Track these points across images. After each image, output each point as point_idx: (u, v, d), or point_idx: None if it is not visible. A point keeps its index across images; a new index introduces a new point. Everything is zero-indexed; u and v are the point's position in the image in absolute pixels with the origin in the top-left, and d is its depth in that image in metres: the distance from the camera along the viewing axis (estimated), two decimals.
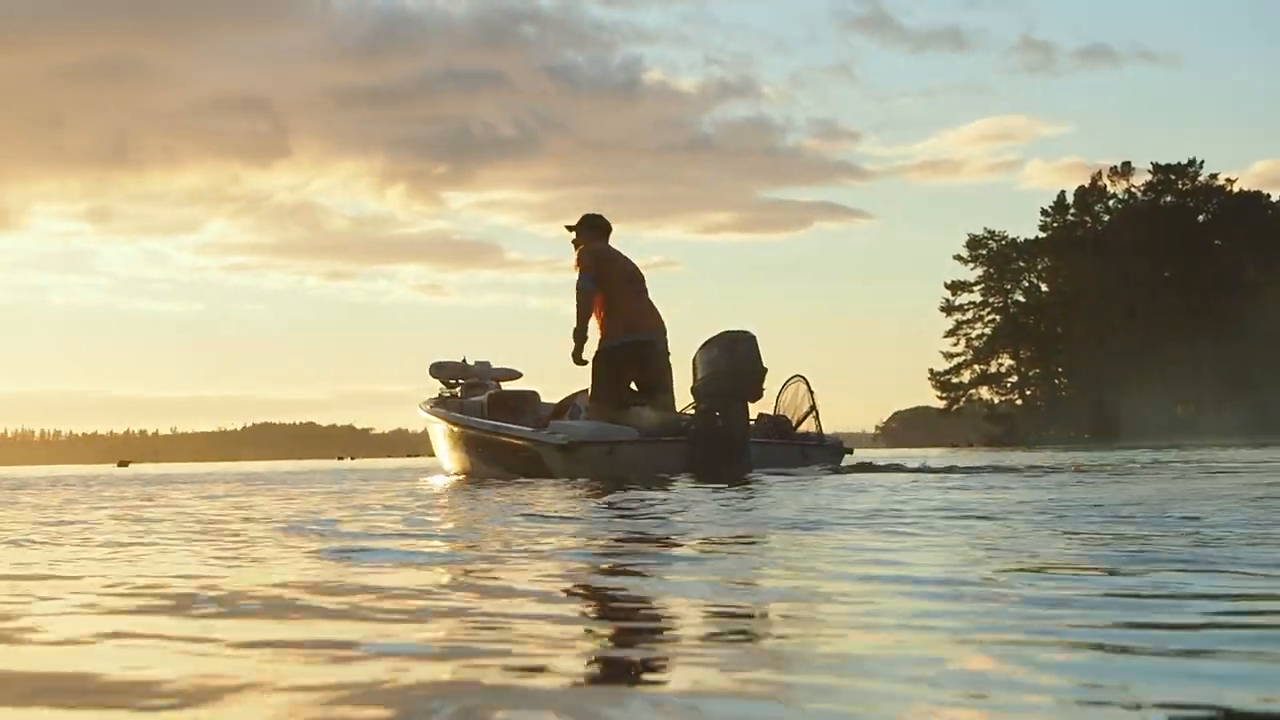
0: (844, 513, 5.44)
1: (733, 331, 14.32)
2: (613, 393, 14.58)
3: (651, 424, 14.34)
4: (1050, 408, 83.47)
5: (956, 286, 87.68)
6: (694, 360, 14.31)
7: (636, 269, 15.07)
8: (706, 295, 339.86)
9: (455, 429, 16.07)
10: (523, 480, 12.63)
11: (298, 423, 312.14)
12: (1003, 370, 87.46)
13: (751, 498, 7.24)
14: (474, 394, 16.42)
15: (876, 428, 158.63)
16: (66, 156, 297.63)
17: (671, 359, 15.16)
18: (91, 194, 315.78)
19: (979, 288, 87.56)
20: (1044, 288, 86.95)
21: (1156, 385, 72.10)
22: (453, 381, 17.00)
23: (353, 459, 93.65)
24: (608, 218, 15.66)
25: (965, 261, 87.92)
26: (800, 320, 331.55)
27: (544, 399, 16.43)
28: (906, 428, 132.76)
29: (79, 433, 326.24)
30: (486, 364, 17.23)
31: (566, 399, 15.39)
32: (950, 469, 12.87)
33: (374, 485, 12.63)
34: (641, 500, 7.21)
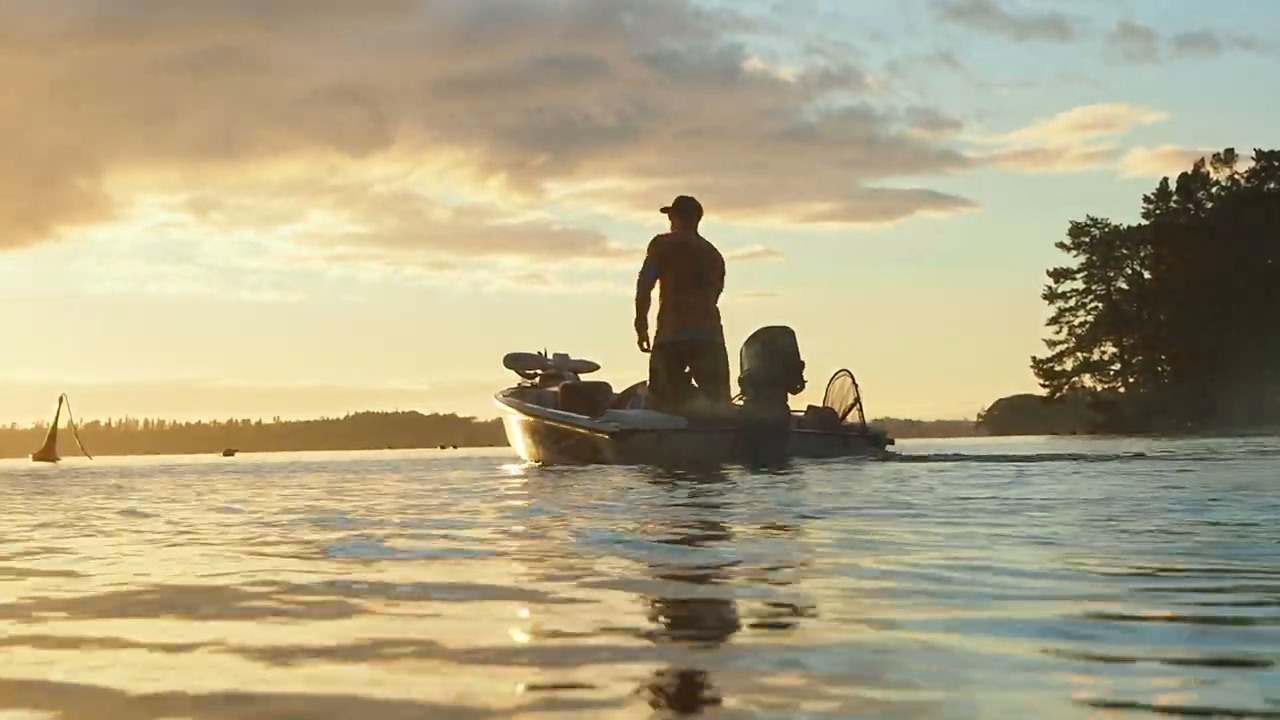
0: (865, 499, 5.53)
1: (772, 327, 14.85)
2: (667, 383, 15.17)
3: (705, 414, 14.88)
4: (1154, 395, 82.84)
5: (1059, 274, 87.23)
6: (740, 353, 14.85)
7: (709, 261, 15.51)
8: (808, 285, 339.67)
9: (525, 418, 16.57)
10: (578, 468, 12.95)
11: (400, 412, 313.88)
12: (1105, 358, 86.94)
13: (779, 485, 7.38)
14: (550, 385, 17.03)
15: (979, 416, 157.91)
16: (169, 147, 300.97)
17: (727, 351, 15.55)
18: (193, 185, 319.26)
19: (1081, 275, 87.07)
20: (1147, 275, 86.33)
21: (1261, 373, 71.41)
22: (530, 372, 17.56)
23: (455, 448, 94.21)
24: (701, 203, 16.11)
25: (1068, 249, 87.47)
26: (901, 309, 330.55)
27: (619, 390, 16.83)
28: (1009, 416, 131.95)
29: (182, 422, 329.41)
30: (565, 356, 17.82)
31: (629, 389, 16.20)
32: (1000, 458, 13.28)
33: (460, 472, 12.72)
34: (683, 485, 7.46)
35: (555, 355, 17.67)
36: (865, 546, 3.38)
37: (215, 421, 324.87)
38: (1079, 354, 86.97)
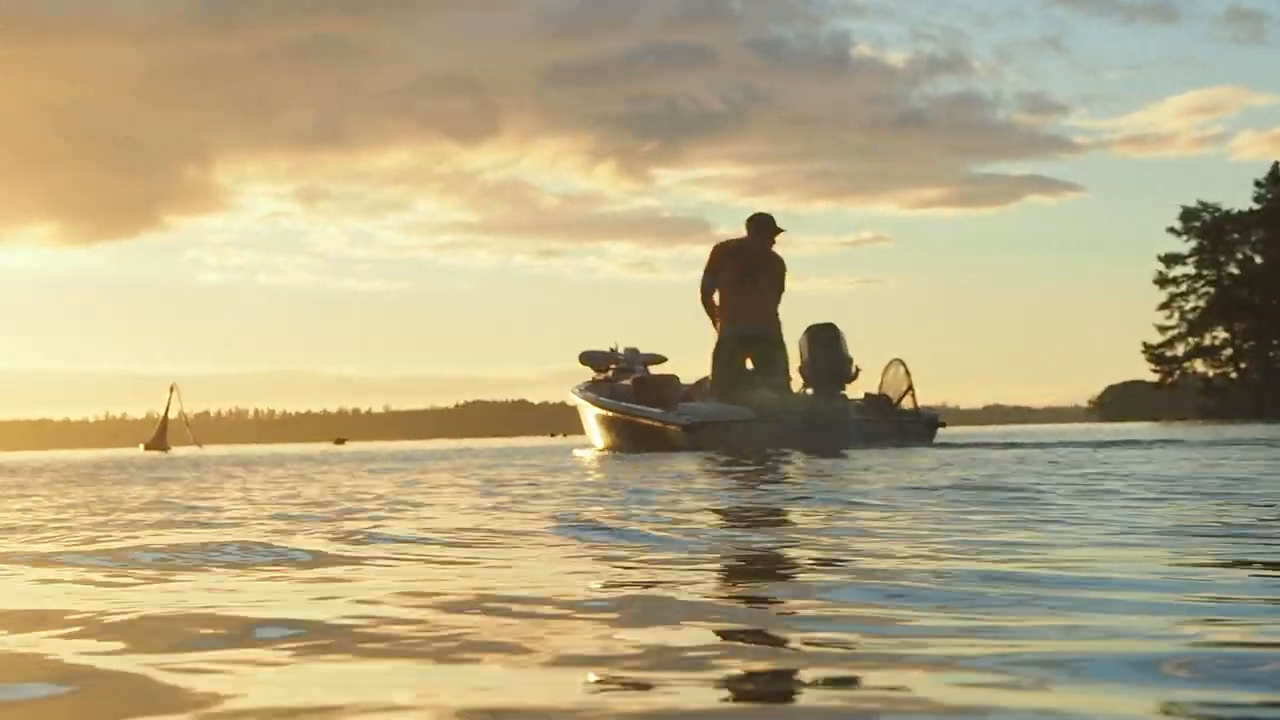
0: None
1: (816, 325, 16.15)
2: (727, 376, 16.55)
3: (766, 404, 16.12)
4: (1267, 381, 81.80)
5: (1170, 259, 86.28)
6: (798, 345, 16.29)
7: (762, 262, 16.95)
8: (917, 271, 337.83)
9: (601, 411, 17.69)
10: (650, 456, 13.73)
11: (509, 400, 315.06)
12: (1217, 343, 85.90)
13: (837, 472, 7.54)
14: (622, 378, 18.25)
15: (1090, 402, 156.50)
16: (277, 137, 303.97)
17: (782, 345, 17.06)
18: (301, 174, 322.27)
19: (1192, 260, 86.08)
20: (1258, 259, 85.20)
21: None
22: (603, 367, 18.43)
23: (564, 435, 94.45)
24: (774, 217, 17.34)
25: (1178, 234, 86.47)
26: (1011, 294, 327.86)
27: (689, 381, 18.08)
28: (1120, 402, 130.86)
29: (292, 411, 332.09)
30: (635, 351, 19.01)
31: (700, 380, 17.41)
32: (1055, 443, 13.88)
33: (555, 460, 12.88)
34: (752, 471, 7.58)
35: (626, 350, 18.59)
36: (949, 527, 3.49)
37: (325, 410, 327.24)
38: (1190, 339, 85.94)
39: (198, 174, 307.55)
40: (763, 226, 17.19)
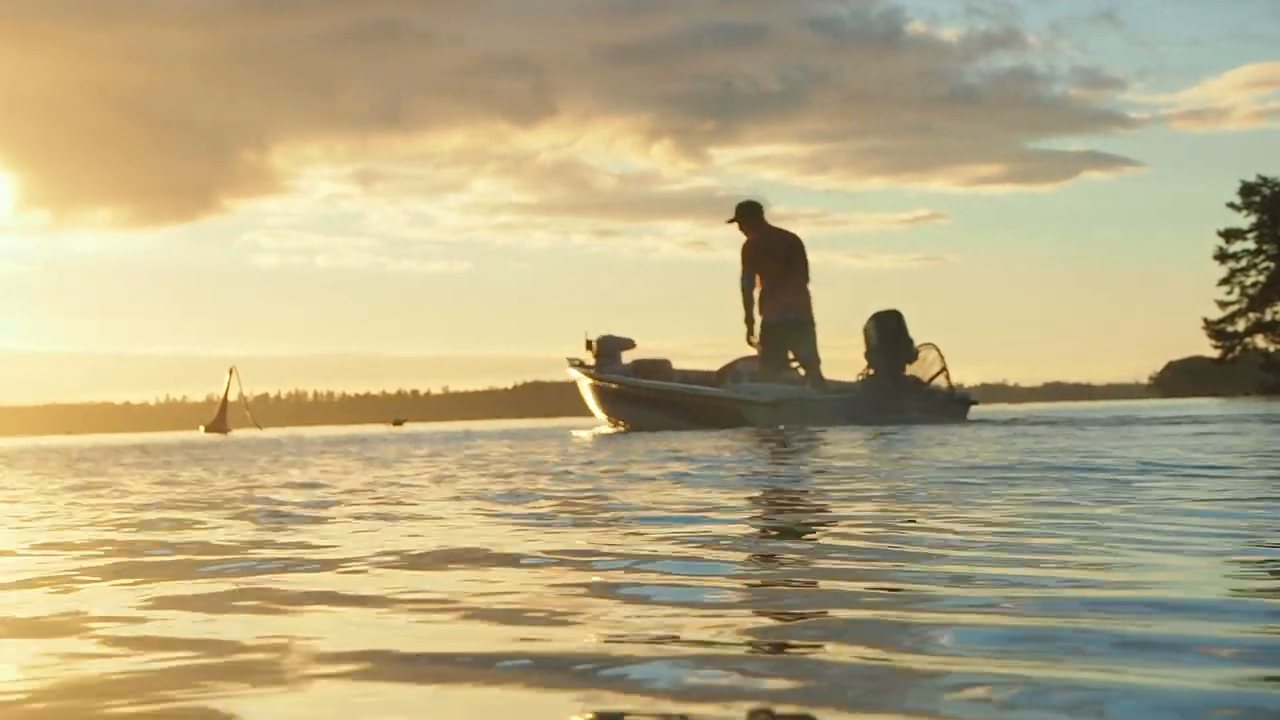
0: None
1: (882, 312, 17.51)
2: (776, 360, 17.99)
3: (821, 385, 18.14)
4: None
5: (1230, 234, 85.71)
6: (864, 330, 17.65)
7: (790, 249, 18.47)
8: (975, 247, 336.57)
9: (637, 390, 19.08)
10: (716, 430, 15.32)
11: (568, 380, 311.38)
12: (1278, 318, 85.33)
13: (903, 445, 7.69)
14: (610, 363, 19.84)
15: (1150, 378, 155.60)
16: (334, 120, 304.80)
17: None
18: (359, 156, 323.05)
19: (1253, 235, 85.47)
20: None
21: None
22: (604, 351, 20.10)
23: None
24: (761, 201, 18.93)
25: (1238, 209, 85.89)
26: (1069, 270, 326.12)
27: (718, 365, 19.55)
28: (1180, 378, 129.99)
29: (351, 393, 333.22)
30: (611, 336, 20.42)
31: (729, 365, 18.84)
32: (1079, 420, 14.55)
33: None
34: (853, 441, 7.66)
35: (602, 337, 20.26)
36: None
37: (384, 392, 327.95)
38: (1251, 315, 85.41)
39: (256, 157, 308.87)
40: (754, 213, 18.62)
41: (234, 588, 2.57)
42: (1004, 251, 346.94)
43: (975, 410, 18.31)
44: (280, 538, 3.68)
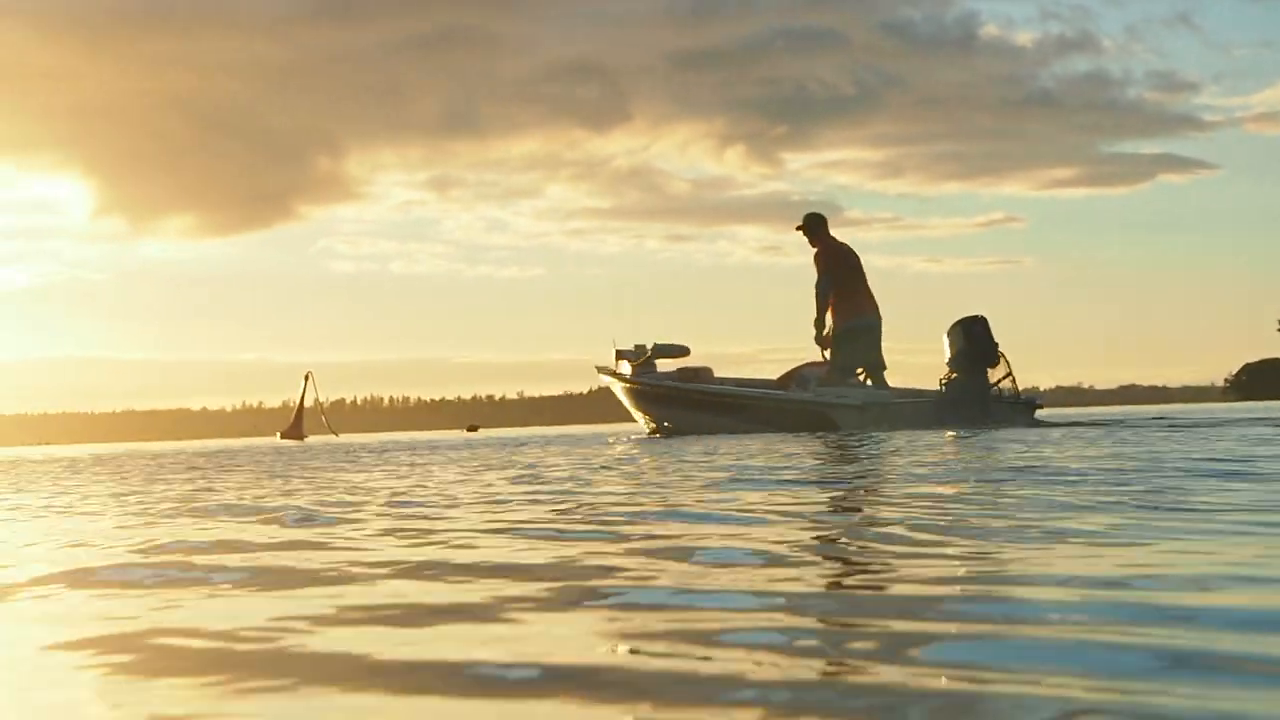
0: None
1: (969, 318, 17.82)
2: (849, 366, 18.47)
3: (888, 389, 18.65)
4: None
5: None
6: (947, 336, 17.96)
7: (858, 258, 18.92)
8: (1050, 251, 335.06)
9: (719, 393, 19.45)
10: (801, 434, 15.31)
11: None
12: None
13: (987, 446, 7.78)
14: (648, 369, 20.22)
15: (1225, 380, 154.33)
16: (408, 126, 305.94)
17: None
18: (433, 163, 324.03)
19: None
20: None
21: None
22: (638, 358, 20.44)
23: None
24: (825, 213, 19.35)
25: None
26: (1145, 273, 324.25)
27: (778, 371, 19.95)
28: (1256, 380, 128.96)
29: (426, 399, 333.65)
30: (642, 347, 20.65)
31: (793, 370, 19.34)
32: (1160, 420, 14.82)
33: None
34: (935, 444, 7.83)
35: (655, 346, 20.48)
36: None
37: (459, 397, 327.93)
38: None
39: (331, 164, 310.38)
40: (823, 224, 19.09)
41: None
42: (1079, 254, 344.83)
43: (1042, 413, 18.69)
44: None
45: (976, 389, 17.71)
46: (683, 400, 19.46)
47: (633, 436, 19.17)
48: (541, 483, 6.73)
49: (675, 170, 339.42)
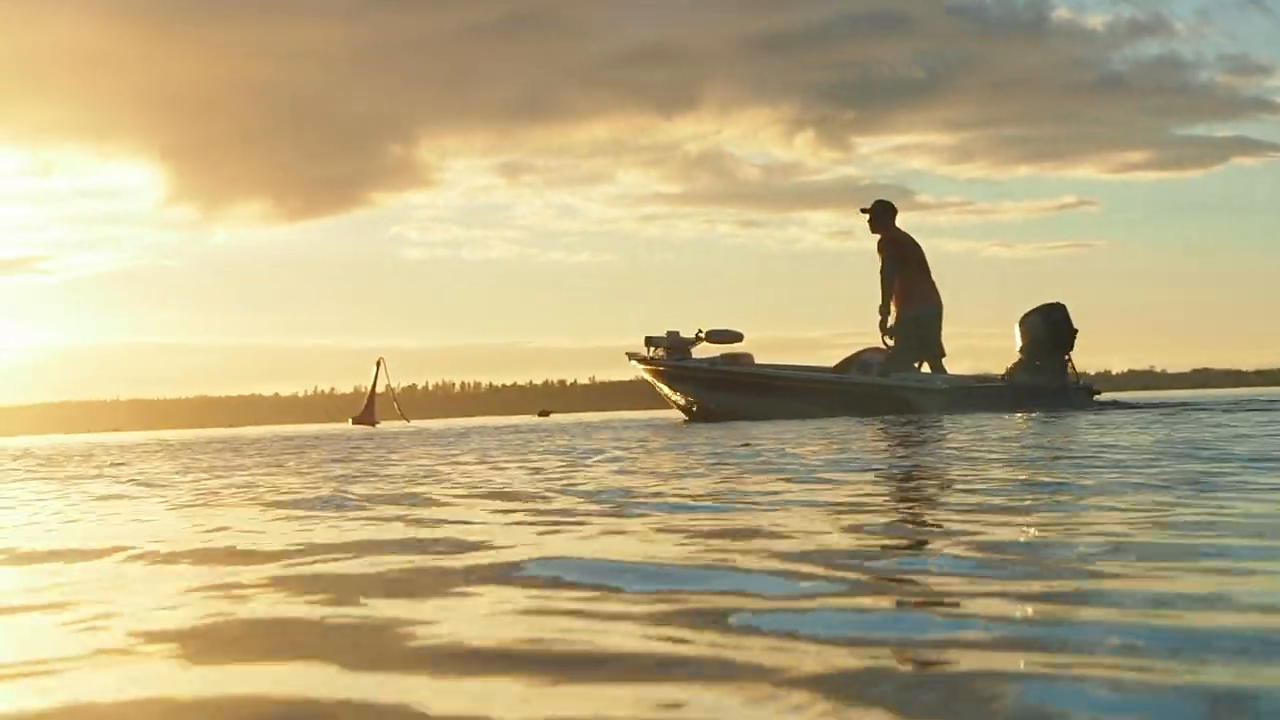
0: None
1: (1048, 304, 18.09)
2: (913, 351, 18.81)
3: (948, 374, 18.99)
4: None
5: None
6: (1020, 325, 18.10)
7: (921, 250, 19.16)
8: (1123, 234, 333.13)
9: (795, 379, 19.75)
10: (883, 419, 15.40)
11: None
12: None
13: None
14: (683, 356, 20.61)
15: None
16: (479, 112, 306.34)
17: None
18: (503, 148, 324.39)
19: None
20: None
21: None
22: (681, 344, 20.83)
23: None
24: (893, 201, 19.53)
25: None
26: (1218, 257, 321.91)
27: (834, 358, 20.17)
28: None
29: (498, 384, 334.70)
30: (675, 333, 21.14)
31: (852, 355, 19.44)
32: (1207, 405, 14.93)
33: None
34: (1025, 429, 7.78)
35: (674, 332, 20.99)
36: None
37: (530, 383, 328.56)
38: None
39: (402, 151, 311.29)
40: (892, 212, 19.31)
41: None
42: (1152, 238, 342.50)
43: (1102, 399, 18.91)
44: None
45: (1055, 374, 17.97)
46: (751, 385, 19.65)
47: (673, 423, 19.04)
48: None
49: (745, 155, 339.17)
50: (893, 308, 18.85)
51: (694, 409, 20.35)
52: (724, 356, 20.29)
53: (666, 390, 20.86)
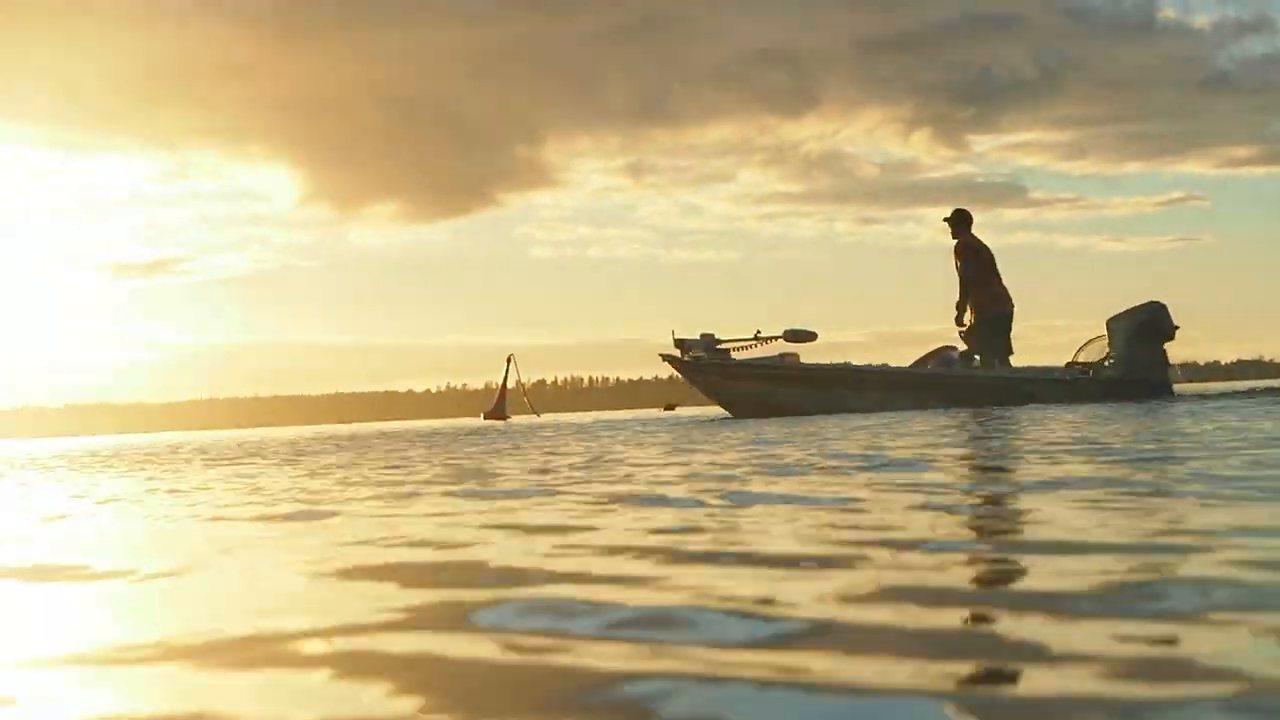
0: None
1: (1148, 302, 18.93)
2: (1001, 348, 19.73)
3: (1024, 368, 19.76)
4: None
5: None
6: (1115, 323, 19.10)
7: (992, 255, 20.13)
8: (1232, 229, 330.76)
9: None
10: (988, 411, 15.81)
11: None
12: None
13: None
14: (718, 356, 21.27)
15: None
16: (604, 113, 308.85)
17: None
18: (628, 149, 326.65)
19: None
20: None
21: None
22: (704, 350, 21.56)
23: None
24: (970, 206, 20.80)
25: None
26: None
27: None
28: None
29: (625, 379, 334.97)
30: (710, 335, 21.67)
31: (935, 350, 20.66)
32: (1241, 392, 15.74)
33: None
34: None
35: (709, 334, 21.70)
36: None
37: (656, 378, 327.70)
38: None
39: (529, 152, 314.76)
40: (969, 220, 20.53)
41: None
42: (1259, 231, 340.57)
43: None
44: None
45: (1157, 366, 18.80)
46: (853, 381, 20.64)
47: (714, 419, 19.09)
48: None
49: (863, 154, 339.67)
50: (969, 307, 19.86)
51: (750, 407, 20.31)
52: (785, 355, 20.92)
53: (713, 387, 21.35)
